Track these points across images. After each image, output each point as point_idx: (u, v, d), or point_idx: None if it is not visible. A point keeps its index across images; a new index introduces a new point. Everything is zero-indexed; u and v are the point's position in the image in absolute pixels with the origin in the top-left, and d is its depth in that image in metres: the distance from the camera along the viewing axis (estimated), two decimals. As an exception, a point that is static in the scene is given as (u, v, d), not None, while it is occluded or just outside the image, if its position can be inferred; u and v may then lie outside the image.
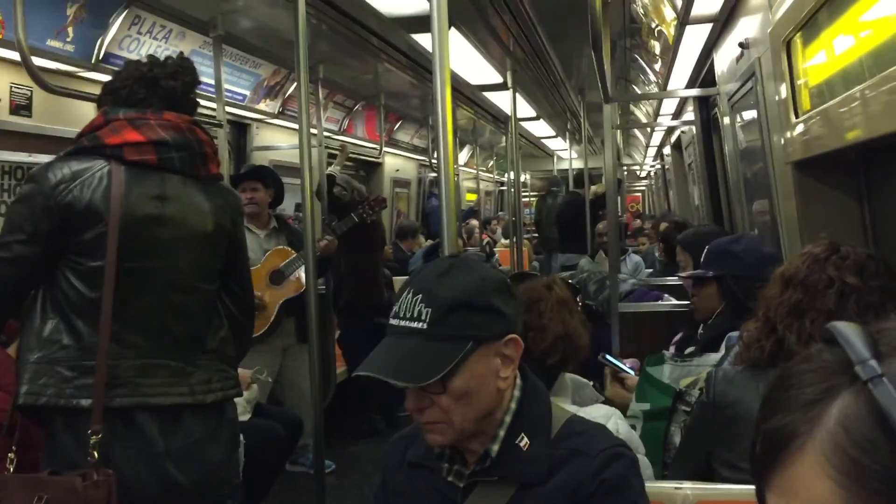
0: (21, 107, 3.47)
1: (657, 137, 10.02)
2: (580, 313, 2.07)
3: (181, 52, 2.26)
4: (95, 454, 1.82)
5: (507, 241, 9.00)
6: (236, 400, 2.20)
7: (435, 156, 7.69)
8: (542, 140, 11.07)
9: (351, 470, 4.81)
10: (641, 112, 8.87)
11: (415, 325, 1.26)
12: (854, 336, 0.59)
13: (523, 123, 8.58)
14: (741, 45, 3.07)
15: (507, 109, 5.96)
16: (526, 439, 1.33)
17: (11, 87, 3.42)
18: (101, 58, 3.68)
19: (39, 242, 1.90)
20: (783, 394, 0.62)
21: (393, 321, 1.30)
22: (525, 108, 7.30)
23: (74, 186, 1.89)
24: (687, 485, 1.69)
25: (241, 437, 2.99)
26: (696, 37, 3.85)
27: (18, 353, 1.94)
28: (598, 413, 1.92)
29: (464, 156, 11.22)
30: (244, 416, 3.41)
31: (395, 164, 9.10)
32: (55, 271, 1.93)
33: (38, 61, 2.84)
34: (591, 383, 2.23)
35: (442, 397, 1.26)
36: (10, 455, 1.93)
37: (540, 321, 1.91)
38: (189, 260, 2.02)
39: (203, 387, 2.02)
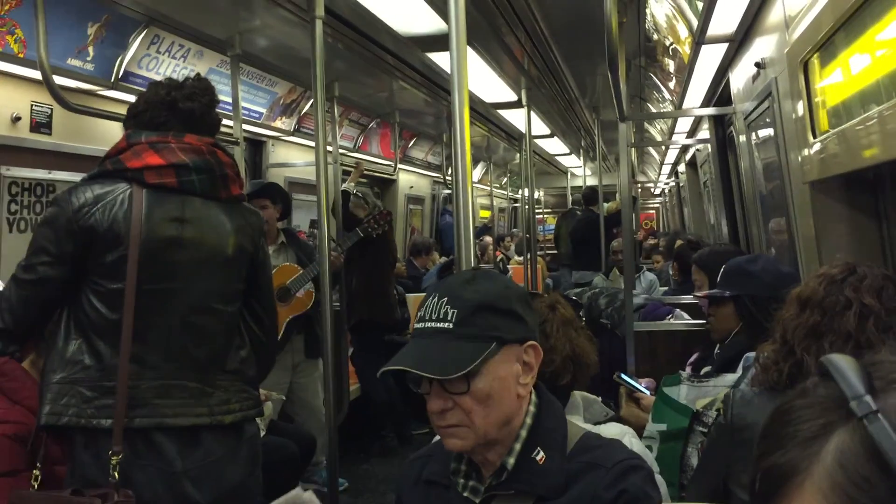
0: (41, 124, 3.51)
1: (672, 155, 10.00)
2: (585, 330, 2.08)
3: (198, 73, 2.28)
4: (116, 475, 1.83)
5: (521, 258, 8.99)
6: None
7: (449, 172, 7.74)
8: (556, 157, 11.07)
9: (363, 488, 4.79)
10: (656, 130, 8.86)
11: (441, 325, 1.30)
12: (848, 370, 0.59)
13: (537, 141, 8.59)
14: (757, 64, 3.07)
15: (522, 127, 5.98)
16: (542, 453, 1.34)
17: (32, 104, 3.46)
18: (120, 76, 3.72)
19: (63, 264, 1.93)
20: (781, 430, 0.62)
21: (419, 325, 1.34)
22: (539, 126, 7.31)
23: (97, 210, 1.92)
24: (705, 507, 1.68)
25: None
26: (711, 56, 3.85)
27: (42, 373, 1.96)
28: (611, 431, 1.90)
29: (477, 173, 11.24)
30: (258, 434, 3.41)
31: (410, 180, 9.13)
32: (79, 293, 1.95)
33: (58, 80, 2.87)
34: (599, 398, 2.23)
35: (465, 398, 1.29)
36: (35, 472, 1.95)
37: (547, 342, 1.90)
38: (208, 282, 2.04)
39: (222, 407, 2.03)
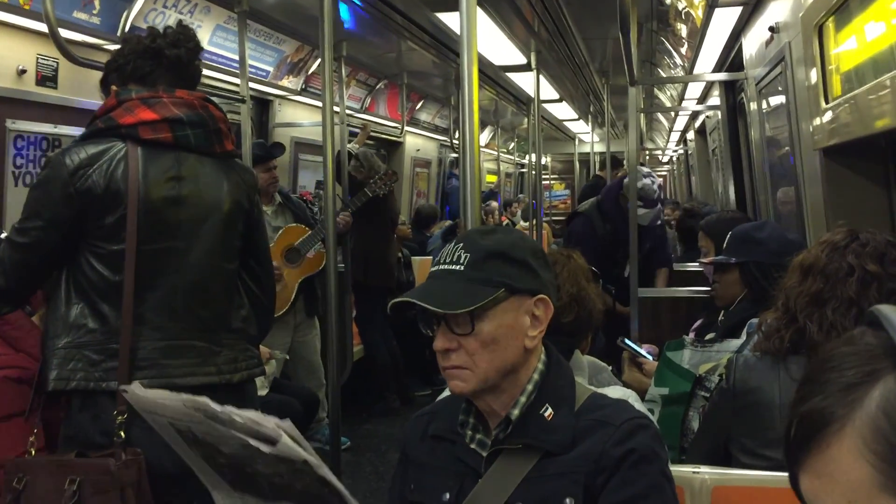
0: (47, 78, 3.49)
1: (681, 122, 9.93)
2: (597, 287, 2.11)
3: (180, 21, 2.24)
4: (122, 433, 1.83)
5: (527, 224, 8.98)
6: None
7: (457, 136, 7.70)
8: (564, 123, 11.00)
9: (366, 447, 4.84)
10: (666, 96, 8.78)
11: (453, 267, 1.33)
12: None
13: (545, 105, 8.52)
14: (771, 28, 3.03)
15: (530, 91, 5.93)
16: (550, 409, 1.35)
17: (38, 58, 3.43)
18: (126, 30, 3.69)
19: (58, 228, 1.90)
20: (822, 375, 0.61)
21: (433, 268, 1.37)
22: (548, 90, 7.25)
23: (93, 171, 1.88)
24: (704, 469, 1.69)
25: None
26: (724, 20, 3.80)
27: (44, 338, 1.94)
28: (614, 394, 1.92)
29: (485, 137, 11.18)
30: (262, 392, 3.44)
31: (416, 143, 9.08)
32: (77, 255, 1.93)
33: (64, 33, 2.84)
34: (610, 368, 2.24)
35: (470, 339, 1.30)
36: (31, 438, 1.94)
37: (555, 280, 1.94)
38: (208, 239, 2.02)
39: (229, 366, 2.02)
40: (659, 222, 4.83)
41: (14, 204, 3.31)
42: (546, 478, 1.32)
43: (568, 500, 1.29)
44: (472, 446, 1.40)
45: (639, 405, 1.94)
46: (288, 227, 4.24)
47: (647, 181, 4.33)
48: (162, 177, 1.95)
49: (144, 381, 1.87)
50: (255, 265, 2.20)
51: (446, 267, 1.35)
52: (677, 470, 1.70)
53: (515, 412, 1.35)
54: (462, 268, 1.33)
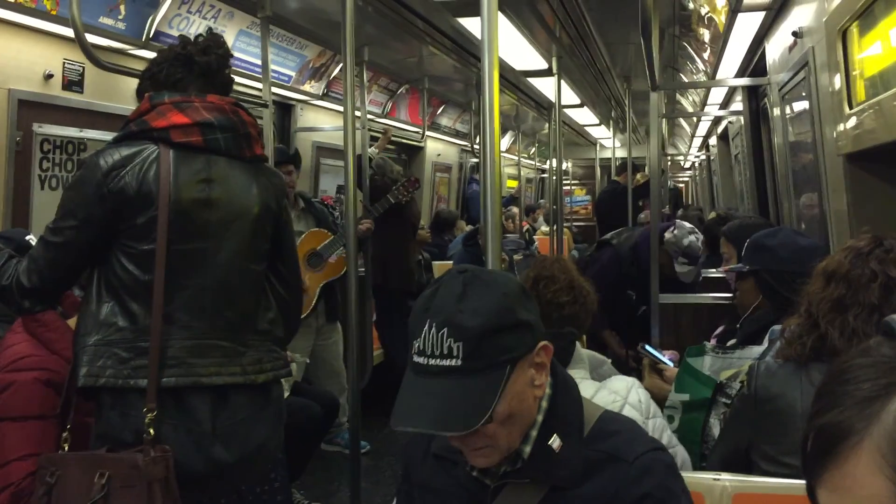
0: (73, 82, 3.54)
1: (703, 128, 9.87)
2: (588, 282, 2.23)
3: (209, 28, 2.27)
4: (151, 431, 1.86)
5: (547, 229, 8.96)
6: None
7: (477, 141, 7.68)
8: (586, 128, 10.97)
9: (385, 452, 4.85)
10: (688, 101, 8.74)
11: (447, 362, 1.20)
12: None
13: (566, 110, 8.50)
14: (794, 33, 3.01)
15: (551, 96, 5.92)
16: (558, 440, 1.30)
17: (64, 62, 3.48)
18: (151, 36, 3.73)
19: (91, 228, 1.94)
20: (839, 388, 0.60)
21: (419, 359, 1.23)
22: (569, 95, 7.23)
23: (126, 173, 1.92)
24: (725, 476, 1.68)
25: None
26: (747, 25, 3.78)
27: (76, 335, 1.98)
28: (618, 386, 1.95)
29: (505, 142, 11.17)
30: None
31: (437, 148, 9.09)
32: (109, 255, 1.96)
33: (90, 38, 2.89)
34: (609, 360, 2.27)
35: (487, 427, 1.22)
36: (65, 434, 1.98)
37: (549, 270, 2.11)
38: (237, 241, 2.05)
39: (255, 367, 2.04)
40: (700, 279, 4.66)
41: (40, 207, 3.36)
42: None
43: None
44: (475, 474, 1.34)
45: (642, 392, 1.97)
46: (310, 232, 4.26)
47: (693, 238, 4.15)
48: (192, 179, 1.98)
49: (172, 379, 1.91)
50: (282, 268, 2.23)
51: (438, 363, 1.21)
52: (698, 477, 1.70)
53: (527, 448, 1.30)
54: (459, 362, 1.19)
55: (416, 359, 1.24)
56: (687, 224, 4.34)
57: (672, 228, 4.15)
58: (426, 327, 1.22)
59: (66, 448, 1.97)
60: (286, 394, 3.51)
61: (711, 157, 10.17)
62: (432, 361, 1.21)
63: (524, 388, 1.26)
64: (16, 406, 2.07)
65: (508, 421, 1.24)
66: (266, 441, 2.08)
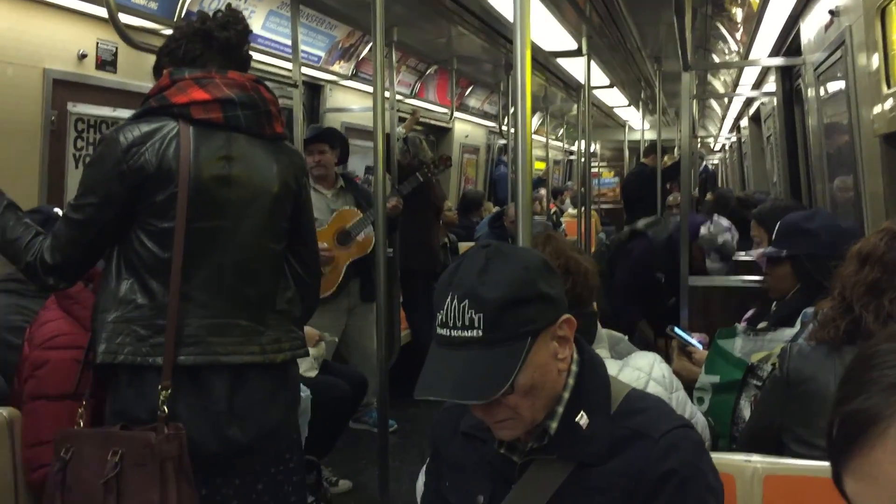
0: (106, 62, 3.56)
1: (734, 109, 9.75)
2: (583, 254, 2.15)
3: (228, 4, 2.25)
4: (165, 408, 1.85)
5: (575, 212, 8.92)
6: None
7: (505, 122, 7.65)
8: (614, 110, 10.88)
9: (412, 430, 4.88)
10: (719, 82, 8.63)
11: (468, 333, 1.22)
12: None
13: (595, 92, 8.43)
14: (831, 12, 2.95)
15: (580, 77, 5.87)
16: (585, 417, 1.30)
17: (98, 42, 3.51)
18: (182, 15, 3.75)
19: (111, 205, 1.93)
20: (865, 374, 0.59)
21: (442, 331, 1.26)
22: (598, 76, 7.17)
23: (145, 149, 1.91)
24: (756, 458, 1.67)
25: (308, 392, 3.07)
26: (782, 3, 3.72)
27: (94, 312, 1.98)
28: (642, 362, 1.93)
29: (534, 123, 11.11)
30: (311, 373, 3.48)
31: (465, 129, 9.07)
32: (129, 232, 1.95)
33: (123, 18, 2.90)
34: (626, 337, 2.27)
35: (509, 397, 1.24)
36: (80, 410, 1.98)
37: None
38: (256, 220, 2.03)
39: (273, 346, 2.03)
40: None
41: (75, 186, 3.38)
42: (582, 490, 1.29)
43: None
44: (502, 451, 1.35)
45: (664, 365, 1.95)
46: (341, 211, 4.28)
47: (728, 236, 4.09)
48: (213, 156, 1.96)
49: (190, 357, 1.91)
50: (301, 247, 2.21)
51: (459, 334, 1.23)
52: (728, 458, 1.69)
53: (553, 424, 1.30)
54: (479, 333, 1.22)
55: (440, 331, 1.27)
56: (725, 221, 4.27)
57: (709, 224, 4.10)
58: (449, 299, 1.25)
59: (82, 424, 1.96)
60: (314, 373, 3.55)
61: (743, 140, 10.05)
62: (454, 333, 1.24)
63: (547, 361, 1.28)
64: (51, 385, 2.09)
65: (531, 393, 1.26)
66: (282, 421, 2.06)
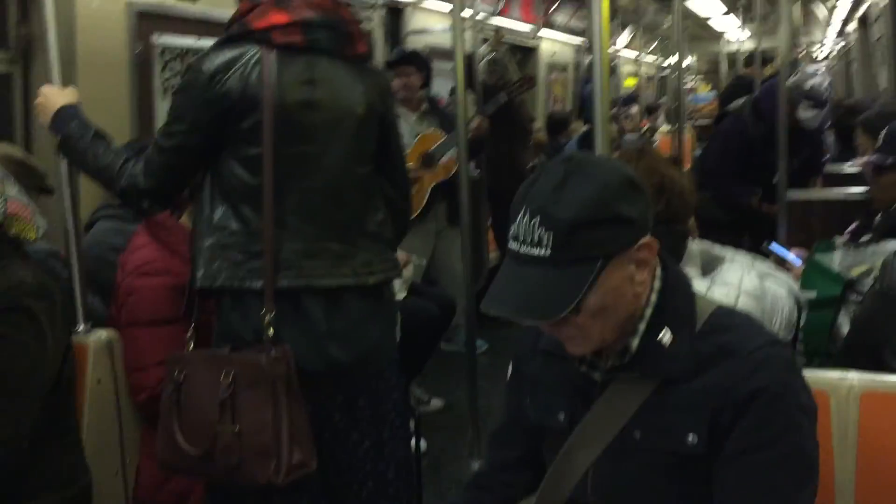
0: (188, -7, 3.59)
1: (840, 12, 9.14)
2: (679, 169, 1.96)
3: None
4: (271, 331, 1.90)
5: (669, 128, 8.63)
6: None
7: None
8: (711, 21, 10.38)
9: (503, 351, 4.91)
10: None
11: (536, 251, 1.18)
12: None
13: (690, 1, 8.05)
14: None
15: (673, -16, 5.59)
16: (669, 334, 1.26)
17: (180, -27, 3.54)
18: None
19: (200, 132, 1.95)
20: None
21: (513, 245, 1.22)
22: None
23: (229, 77, 1.91)
24: (852, 375, 1.59)
25: (398, 314, 3.11)
26: None
27: (192, 238, 2.03)
28: (730, 277, 1.79)
29: (624, 38, 10.72)
30: (400, 295, 3.52)
31: (552, 48, 8.83)
32: (220, 159, 1.98)
33: (201, -53, 2.91)
34: (726, 256, 2.11)
35: (577, 317, 1.20)
36: (188, 335, 2.04)
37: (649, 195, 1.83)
38: (343, 143, 2.02)
39: (365, 269, 2.04)
40: (828, 125, 4.31)
41: (163, 116, 3.46)
42: (666, 408, 1.25)
43: (691, 437, 1.22)
44: (583, 369, 1.33)
45: (754, 275, 1.78)
46: (425, 134, 4.26)
47: (818, 80, 3.86)
48: (295, 81, 1.96)
49: (285, 282, 1.95)
50: (390, 169, 2.20)
51: (528, 251, 1.19)
52: (823, 375, 1.63)
53: (635, 342, 1.27)
54: (547, 252, 1.17)
55: (511, 244, 1.23)
56: (813, 66, 4.01)
57: (795, 72, 3.87)
58: (521, 213, 1.21)
59: (192, 346, 2.03)
60: (402, 295, 3.59)
61: (849, 46, 9.44)
62: (523, 248, 1.20)
63: (621, 284, 1.22)
64: (145, 311, 2.16)
65: (601, 314, 1.21)
66: (380, 341, 2.10)
